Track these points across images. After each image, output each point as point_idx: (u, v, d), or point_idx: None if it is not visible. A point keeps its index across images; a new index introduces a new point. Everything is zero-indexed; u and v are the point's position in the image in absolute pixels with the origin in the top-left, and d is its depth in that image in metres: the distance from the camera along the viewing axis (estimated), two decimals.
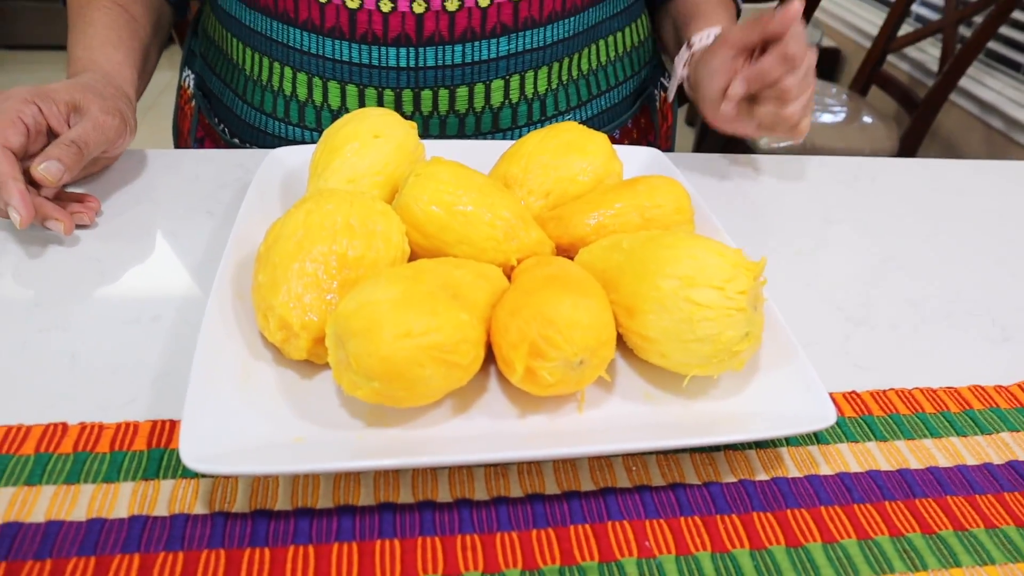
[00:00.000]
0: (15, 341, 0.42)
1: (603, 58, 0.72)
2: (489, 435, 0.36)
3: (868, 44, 2.44)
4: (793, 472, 0.38)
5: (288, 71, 0.64)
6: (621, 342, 0.41)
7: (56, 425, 0.37)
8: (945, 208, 0.65)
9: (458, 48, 0.61)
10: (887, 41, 2.15)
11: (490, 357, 0.39)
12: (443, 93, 0.62)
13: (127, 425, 0.37)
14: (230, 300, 0.41)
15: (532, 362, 0.35)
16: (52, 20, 3.47)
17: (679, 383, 0.40)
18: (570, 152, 0.50)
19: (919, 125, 2.00)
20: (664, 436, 0.35)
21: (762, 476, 0.38)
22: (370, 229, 0.40)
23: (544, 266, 0.42)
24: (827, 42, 2.79)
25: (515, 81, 0.64)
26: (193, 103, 0.75)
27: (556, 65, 0.67)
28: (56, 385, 0.39)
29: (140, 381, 0.40)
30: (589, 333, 0.36)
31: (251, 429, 0.35)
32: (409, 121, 0.51)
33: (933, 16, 2.41)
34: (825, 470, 0.38)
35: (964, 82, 2.22)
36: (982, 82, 2.20)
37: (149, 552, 0.31)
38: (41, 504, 0.33)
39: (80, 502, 0.33)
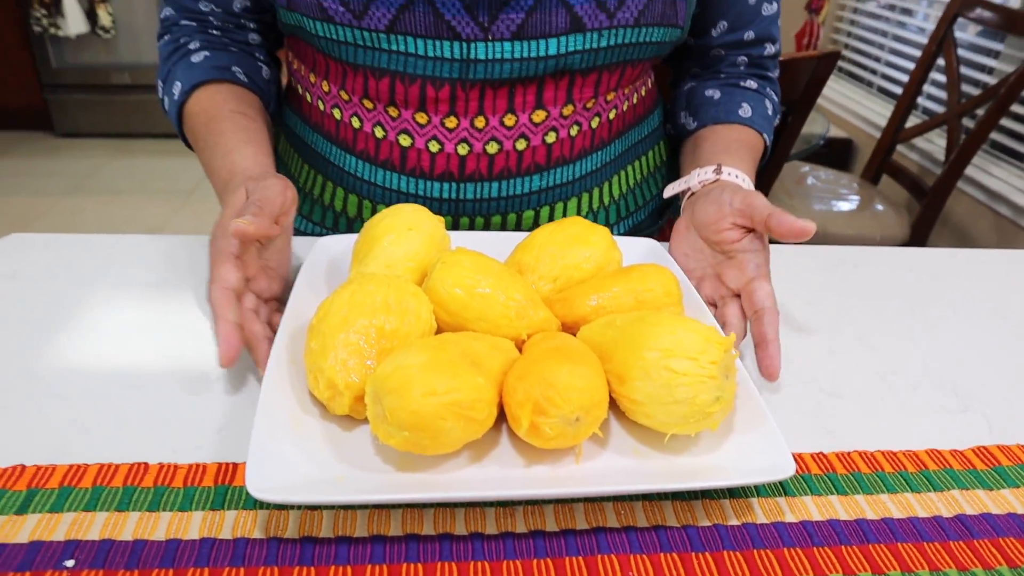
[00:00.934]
0: (104, 395, 0.50)
1: (631, 182, 0.79)
2: (499, 479, 0.43)
3: (878, 135, 2.53)
4: (761, 519, 0.44)
5: (340, 191, 0.73)
6: (614, 405, 0.48)
7: (139, 464, 0.44)
8: (918, 292, 0.72)
9: (495, 184, 0.69)
10: (896, 132, 2.25)
11: (502, 415, 0.46)
12: (479, 220, 0.71)
13: (197, 466, 0.45)
14: (285, 364, 0.48)
15: (536, 418, 0.42)
16: (102, 110, 3.74)
17: (663, 441, 0.47)
18: (575, 244, 0.58)
19: (929, 212, 2.07)
20: (646, 482, 0.42)
21: (734, 521, 0.44)
22: (404, 307, 0.48)
23: (549, 340, 0.49)
24: (839, 132, 2.90)
25: (545, 211, 0.72)
26: None
27: (586, 195, 0.74)
28: (138, 432, 0.47)
29: (206, 431, 0.48)
30: (584, 395, 0.43)
31: (302, 469, 0.42)
32: (437, 216, 0.60)
33: (939, 108, 2.51)
34: (790, 518, 0.45)
35: (971, 171, 2.31)
36: (988, 171, 2.28)
37: (217, 567, 0.38)
38: (129, 526, 0.40)
39: (160, 526, 0.40)
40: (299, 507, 0.42)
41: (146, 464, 0.45)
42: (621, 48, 0.66)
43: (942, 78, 2.29)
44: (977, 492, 0.48)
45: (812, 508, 0.45)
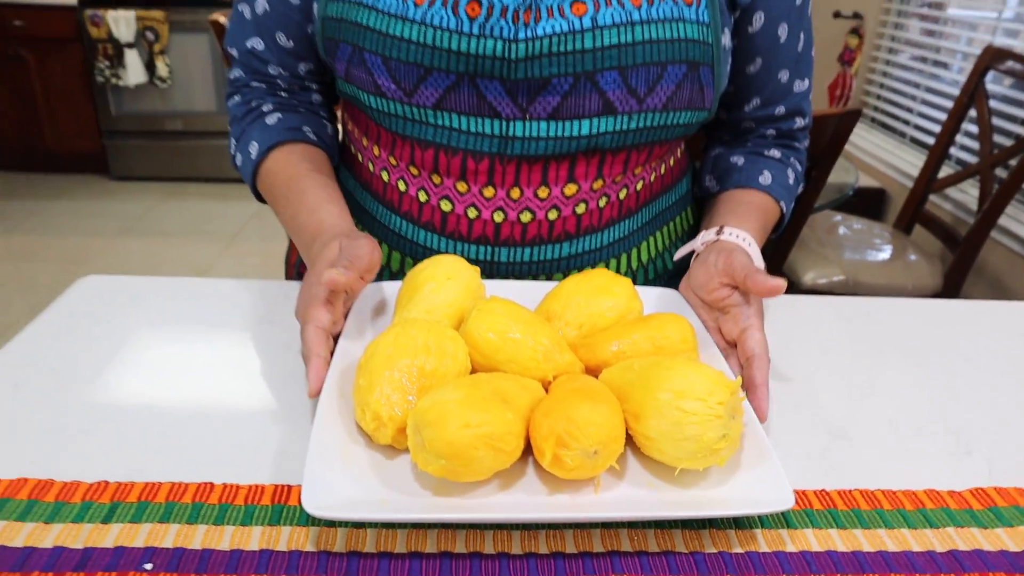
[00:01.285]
0: (174, 423, 0.56)
1: (659, 247, 0.83)
2: (524, 504, 0.48)
3: (911, 184, 2.56)
4: (764, 548, 0.48)
5: (385, 247, 0.79)
6: (631, 440, 0.53)
7: (206, 484, 0.50)
8: (929, 342, 0.76)
9: (527, 249, 0.75)
10: (928, 182, 2.27)
11: (528, 448, 0.51)
12: (512, 280, 0.76)
13: (257, 487, 0.50)
14: (336, 398, 0.54)
15: (558, 450, 0.47)
16: (155, 155, 3.92)
17: (674, 474, 0.51)
18: (600, 294, 0.63)
19: (962, 263, 2.09)
20: (657, 510, 0.46)
21: (738, 549, 0.48)
22: (442, 349, 0.54)
23: (573, 381, 0.54)
24: (872, 182, 2.93)
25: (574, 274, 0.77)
26: None
27: (613, 261, 0.79)
28: (204, 456, 0.53)
29: (264, 457, 0.53)
30: (602, 430, 0.48)
31: (349, 492, 0.47)
32: (474, 266, 0.66)
33: (971, 159, 2.53)
34: (791, 548, 0.49)
35: (1004, 221, 2.32)
36: (1022, 221, 2.29)
37: (274, 574, 0.44)
38: (198, 537, 0.46)
39: (224, 538, 0.46)
40: (346, 524, 0.47)
41: (211, 484, 0.50)
42: (650, 130, 0.71)
43: (974, 128, 2.32)
44: (972, 530, 0.52)
45: (812, 540, 0.49)
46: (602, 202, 0.75)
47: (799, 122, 0.87)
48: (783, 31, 0.78)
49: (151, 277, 0.80)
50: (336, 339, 0.61)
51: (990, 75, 2.11)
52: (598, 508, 0.48)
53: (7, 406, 0.58)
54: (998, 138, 2.27)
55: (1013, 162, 2.03)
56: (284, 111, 0.81)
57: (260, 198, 0.81)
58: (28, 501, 0.48)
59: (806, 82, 0.84)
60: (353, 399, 0.53)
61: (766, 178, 0.84)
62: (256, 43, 0.80)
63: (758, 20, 0.76)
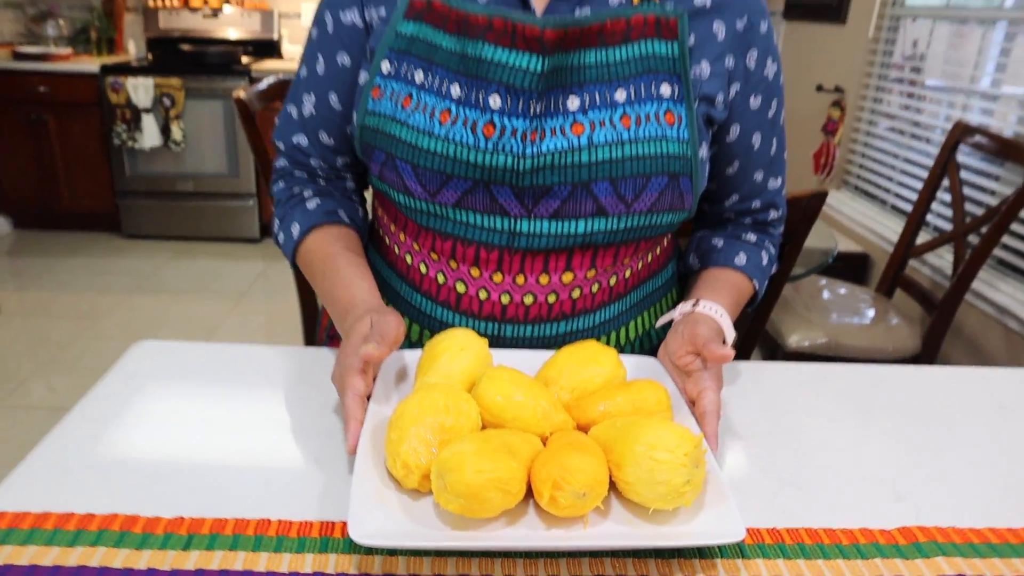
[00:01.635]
0: (234, 470, 0.67)
1: (646, 325, 0.95)
2: (527, 536, 0.59)
3: (892, 250, 2.69)
4: (722, 574, 0.59)
5: (406, 319, 0.91)
6: (614, 486, 0.64)
7: (264, 520, 0.61)
8: (877, 402, 0.87)
9: (529, 326, 0.87)
10: (907, 248, 2.40)
11: (529, 491, 0.62)
12: (515, 350, 0.87)
13: (307, 523, 0.61)
14: (369, 450, 0.65)
15: (554, 492, 0.59)
16: (167, 214, 4.07)
17: (648, 513, 0.63)
18: (589, 363, 0.75)
19: (939, 326, 2.20)
20: (634, 540, 0.58)
21: (701, 575, 0.59)
22: (459, 409, 0.66)
23: (566, 436, 0.66)
24: (856, 248, 3.07)
25: None
26: None
27: (604, 338, 0.91)
28: (261, 498, 0.64)
29: (311, 498, 0.64)
30: (589, 476, 0.59)
31: (385, 525, 0.58)
32: (483, 338, 0.78)
33: (947, 226, 2.67)
34: (744, 574, 0.59)
35: (980, 287, 2.44)
36: (996, 287, 2.41)
37: None
38: (262, 561, 0.57)
39: (283, 561, 0.57)
40: (383, 552, 0.58)
41: (269, 520, 0.61)
42: (636, 229, 0.84)
43: (949, 197, 2.46)
44: (896, 561, 0.62)
45: (763, 568, 0.60)
46: (595, 288, 0.87)
47: (773, 214, 0.99)
48: (757, 139, 0.91)
49: (199, 343, 0.91)
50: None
51: (961, 148, 2.26)
52: (587, 540, 0.59)
53: (91, 454, 0.69)
54: (971, 207, 2.41)
55: (985, 229, 2.17)
56: (322, 197, 0.94)
57: (298, 271, 0.93)
58: (120, 532, 0.59)
59: (779, 180, 0.97)
60: (385, 450, 0.65)
61: (741, 259, 0.96)
62: (301, 139, 0.93)
63: (734, 131, 0.89)
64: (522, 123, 0.78)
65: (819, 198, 1.33)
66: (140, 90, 3.80)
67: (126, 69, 3.82)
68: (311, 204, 0.93)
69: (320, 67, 0.89)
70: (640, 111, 0.79)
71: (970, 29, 2.71)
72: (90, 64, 3.82)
